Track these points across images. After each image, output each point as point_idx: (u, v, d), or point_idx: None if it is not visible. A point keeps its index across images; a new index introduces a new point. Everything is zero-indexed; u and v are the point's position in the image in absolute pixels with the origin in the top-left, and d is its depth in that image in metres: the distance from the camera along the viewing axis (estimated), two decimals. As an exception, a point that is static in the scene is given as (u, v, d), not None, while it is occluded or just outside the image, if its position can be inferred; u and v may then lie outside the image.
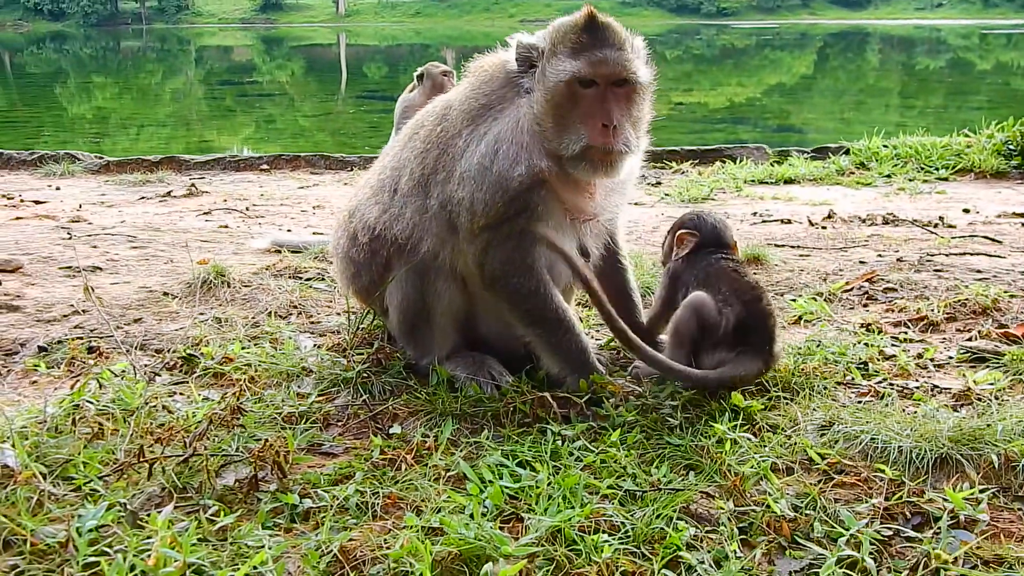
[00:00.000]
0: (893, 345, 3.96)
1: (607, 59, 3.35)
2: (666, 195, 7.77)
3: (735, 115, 22.82)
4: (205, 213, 7.01)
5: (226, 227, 6.30)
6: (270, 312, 4.09)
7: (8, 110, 26.06)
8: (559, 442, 3.08)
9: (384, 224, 3.61)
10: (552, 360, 3.54)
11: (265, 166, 9.41)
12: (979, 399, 3.41)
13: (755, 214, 6.87)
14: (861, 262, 5.20)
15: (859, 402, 3.39)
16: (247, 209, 7.19)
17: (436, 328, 3.64)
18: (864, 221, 6.51)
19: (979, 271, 4.81)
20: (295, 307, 4.18)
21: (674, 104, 24.02)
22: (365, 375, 3.55)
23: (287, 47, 64.11)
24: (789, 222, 6.53)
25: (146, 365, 3.68)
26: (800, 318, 4.31)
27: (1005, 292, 4.48)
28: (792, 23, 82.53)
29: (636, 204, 7.47)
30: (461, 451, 3.06)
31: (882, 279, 4.83)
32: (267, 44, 67.70)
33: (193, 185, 8.13)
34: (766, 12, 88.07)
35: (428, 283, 3.57)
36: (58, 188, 8.40)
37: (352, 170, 9.33)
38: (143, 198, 7.81)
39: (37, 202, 7.49)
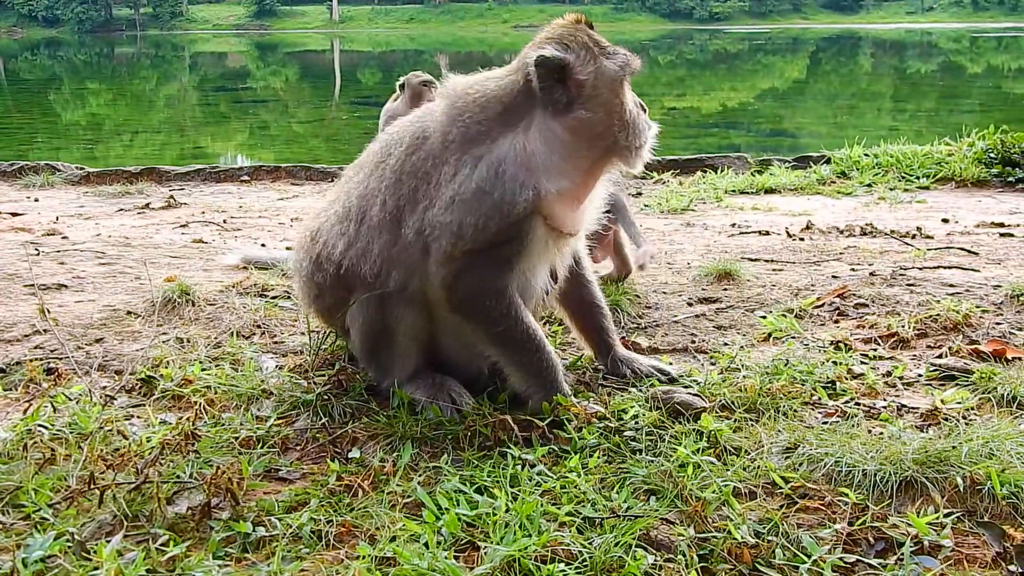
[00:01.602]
0: (862, 363, 3.91)
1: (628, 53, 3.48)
2: (646, 206, 7.73)
3: (728, 120, 22.83)
4: (182, 226, 6.97)
5: (201, 241, 6.25)
6: (233, 332, 4.04)
7: (2, 117, 26.04)
8: (519, 467, 3.03)
9: (351, 260, 3.52)
10: (520, 379, 3.49)
11: (245, 177, 9.36)
12: (946, 419, 3.36)
13: (734, 225, 6.84)
14: (834, 276, 5.15)
15: (825, 423, 3.34)
16: (224, 222, 7.14)
17: (398, 350, 3.58)
18: (842, 232, 6.47)
19: (952, 285, 4.77)
20: (259, 326, 4.13)
21: (667, 109, 24.02)
22: (326, 397, 3.50)
23: (281, 53, 64.13)
24: (767, 233, 6.50)
25: (104, 387, 3.63)
26: (769, 336, 4.26)
27: (977, 307, 4.44)
28: (784, 27, 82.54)
29: (617, 216, 7.43)
30: (420, 476, 3.01)
31: (854, 294, 4.78)
32: (261, 50, 67.72)
33: (172, 197, 8.08)
34: (758, 17, 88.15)
35: (390, 306, 3.51)
36: (36, 200, 8.35)
37: (333, 181, 9.24)
38: (121, 210, 7.76)
39: (14, 214, 7.44)
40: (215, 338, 4.00)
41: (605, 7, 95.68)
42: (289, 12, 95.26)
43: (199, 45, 73.70)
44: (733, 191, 8.25)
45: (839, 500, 2.85)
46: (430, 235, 3.37)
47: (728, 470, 3.00)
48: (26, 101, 31.05)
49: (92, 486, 2.86)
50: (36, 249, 5.72)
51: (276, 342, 4.02)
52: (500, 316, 3.41)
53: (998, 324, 4.32)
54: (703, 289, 4.96)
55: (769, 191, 8.39)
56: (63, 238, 6.25)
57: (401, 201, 3.46)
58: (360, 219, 3.55)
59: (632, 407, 3.42)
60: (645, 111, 3.56)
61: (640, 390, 3.63)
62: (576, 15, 3.53)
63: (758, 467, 3.03)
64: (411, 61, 55.43)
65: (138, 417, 3.39)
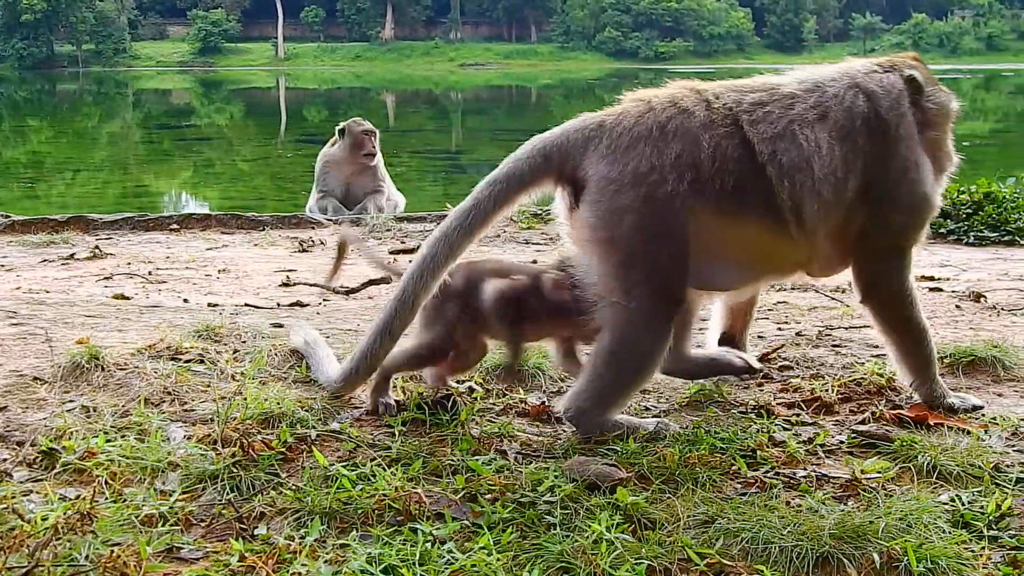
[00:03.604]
0: (784, 429, 3.87)
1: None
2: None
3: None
4: (106, 278, 6.82)
5: (122, 296, 6.12)
6: (142, 399, 3.92)
7: (-61, 155, 25.74)
8: (429, 544, 2.95)
9: None
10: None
11: (175, 226, 9.21)
12: (866, 490, 3.32)
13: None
14: (760, 336, 5.13)
15: (743, 495, 3.29)
16: (149, 274, 7.00)
17: None
18: (773, 285, 6.46)
19: (877, 346, 4.76)
20: (169, 393, 4.01)
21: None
22: (234, 469, 3.39)
23: (226, 90, 63.97)
24: (700, 289, 6.45)
25: (4, 460, 3.49)
26: (690, 401, 4.21)
27: (902, 369, 4.41)
28: (729, 67, 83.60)
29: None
30: (328, 554, 2.91)
31: (778, 356, 4.76)
32: (206, 87, 67.53)
33: (97, 247, 7.92)
34: (703, 56, 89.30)
35: None
36: (-43, 251, 8.16)
37: (264, 230, 9.16)
38: (45, 261, 7.59)
39: (-71, 267, 7.26)
40: (123, 406, 3.88)
41: (551, 46, 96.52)
42: (234, 49, 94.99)
43: (143, 82, 73.24)
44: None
45: (755, 577, 2.79)
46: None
47: (643, 547, 2.93)
48: (-37, 139, 30.71)
49: (-20, 571, 2.74)
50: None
51: (186, 410, 3.91)
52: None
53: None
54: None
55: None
56: (-19, 293, 6.09)
57: None
58: None
59: (548, 478, 3.35)
60: None
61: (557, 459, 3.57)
62: (913, 53, 4.22)
63: (674, 542, 2.96)
64: (357, 99, 55.55)
65: (37, 493, 3.26)
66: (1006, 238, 8.29)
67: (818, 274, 4.20)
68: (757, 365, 4.50)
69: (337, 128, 11.02)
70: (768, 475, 3.46)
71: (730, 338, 4.62)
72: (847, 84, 3.90)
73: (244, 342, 4.67)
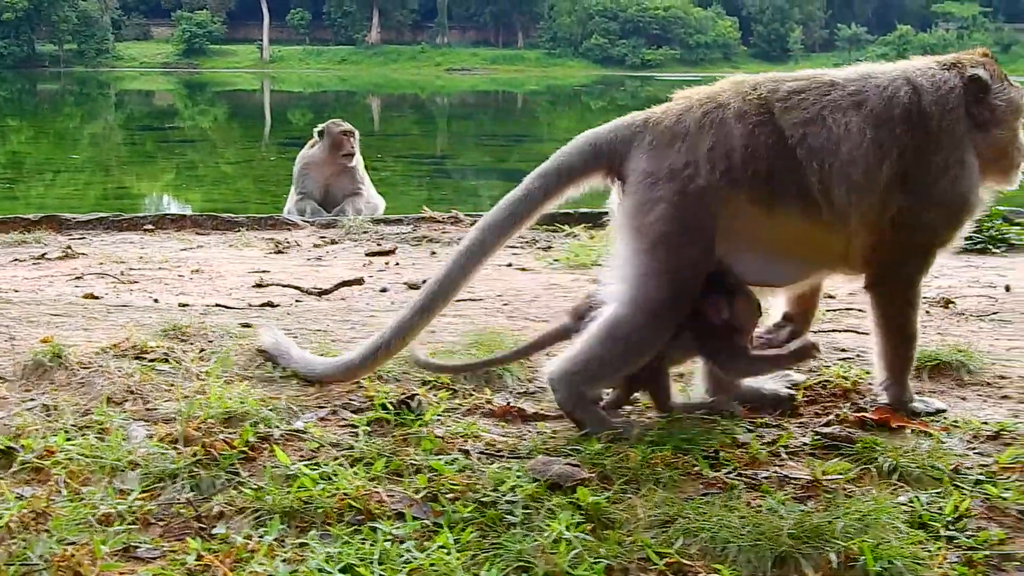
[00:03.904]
0: (748, 431, 3.88)
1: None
2: (555, 260, 7.70)
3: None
4: (76, 278, 6.78)
5: (92, 296, 6.08)
6: (104, 398, 3.90)
7: (-83, 156, 25.60)
8: (388, 543, 2.94)
9: None
10: None
11: (150, 226, 9.14)
12: (826, 491, 3.33)
13: (638, 281, 6.78)
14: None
15: (705, 495, 3.29)
16: (121, 274, 6.96)
17: None
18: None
19: (844, 349, 4.78)
20: (132, 392, 3.99)
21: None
22: (195, 468, 3.37)
23: (210, 92, 63.76)
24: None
25: (-37, 459, 3.46)
26: (657, 403, 4.21)
27: (867, 372, 4.42)
28: (715, 76, 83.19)
29: (524, 270, 7.39)
30: (287, 553, 2.90)
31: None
32: (190, 89, 67.31)
33: (69, 247, 7.86)
34: (689, 64, 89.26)
35: None
36: (-71, 251, 8.10)
37: (239, 231, 9.11)
38: (16, 260, 7.54)
39: (-100, 269, 7.20)
40: (84, 405, 3.86)
41: (537, 52, 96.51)
42: (219, 51, 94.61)
43: (126, 83, 72.90)
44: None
45: (712, 577, 2.79)
46: None
47: (603, 546, 2.93)
48: (-59, 140, 30.55)
49: (-68, 570, 2.72)
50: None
51: (149, 409, 3.89)
52: None
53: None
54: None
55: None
56: (-50, 292, 6.04)
57: None
58: None
59: (510, 478, 3.34)
60: None
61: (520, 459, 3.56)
62: (984, 48, 4.16)
63: (634, 541, 2.97)
64: (343, 102, 55.47)
65: (-6, 491, 3.24)
66: (979, 246, 8.32)
67: (861, 269, 4.12)
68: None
69: (316, 129, 10.99)
70: (730, 476, 3.46)
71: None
72: (896, 76, 3.96)
73: (211, 341, 4.65)
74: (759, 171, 3.79)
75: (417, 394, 4.05)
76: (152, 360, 4.30)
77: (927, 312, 5.85)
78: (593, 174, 4.01)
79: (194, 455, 3.43)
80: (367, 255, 7.93)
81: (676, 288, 3.83)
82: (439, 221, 9.24)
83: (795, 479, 3.46)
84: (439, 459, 3.51)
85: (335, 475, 3.35)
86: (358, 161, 10.91)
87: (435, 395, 4.14)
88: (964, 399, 4.31)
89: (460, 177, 23.70)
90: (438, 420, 3.90)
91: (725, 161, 3.78)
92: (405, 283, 6.69)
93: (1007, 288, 6.47)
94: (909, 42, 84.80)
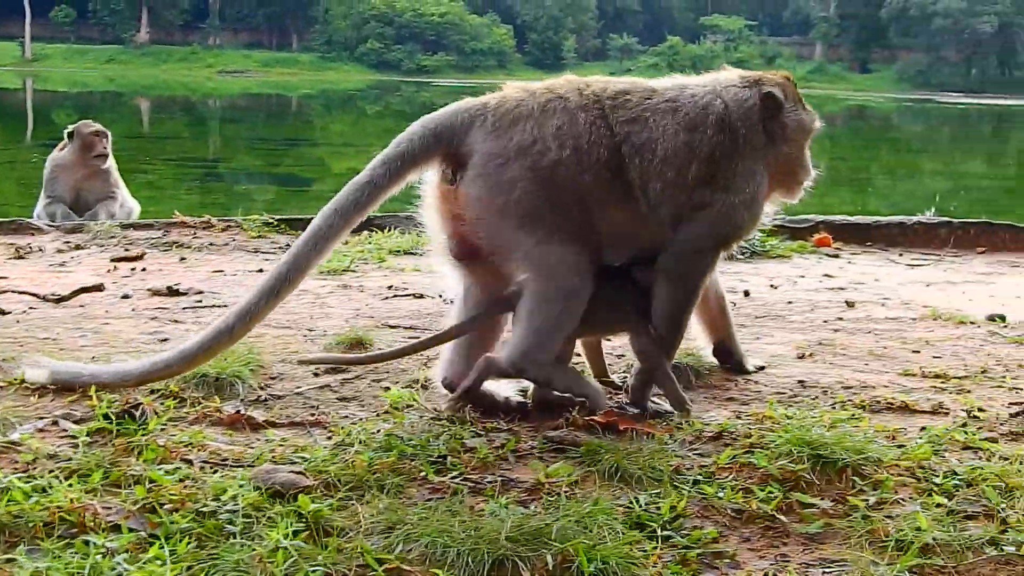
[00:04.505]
0: (477, 436, 3.92)
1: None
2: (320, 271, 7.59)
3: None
4: None
5: None
6: None
7: None
8: (100, 556, 2.84)
9: None
10: None
11: None
12: (549, 494, 3.41)
13: (391, 287, 6.78)
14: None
15: (429, 500, 3.32)
16: None
17: None
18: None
19: (577, 354, 4.89)
20: None
21: (349, 168, 24.01)
22: None
23: (-33, 91, 60.36)
24: (421, 296, 6.47)
25: None
26: (388, 409, 4.21)
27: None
28: (490, 83, 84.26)
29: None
30: (-11, 572, 2.77)
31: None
32: (-55, 89, 63.56)
33: None
34: (465, 71, 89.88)
35: None
36: None
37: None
38: None
39: None
40: None
41: (312, 55, 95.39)
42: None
43: None
44: (398, 251, 8.21)
45: (430, 581, 2.81)
46: None
47: (321, 553, 2.92)
48: None
49: None
50: None
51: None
52: None
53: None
54: (333, 358, 4.85)
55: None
56: None
57: None
58: None
59: (232, 487, 3.28)
60: None
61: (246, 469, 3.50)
62: (785, 72, 4.52)
63: (353, 548, 2.96)
64: (110, 103, 53.49)
65: None
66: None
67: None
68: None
69: (65, 131, 10.53)
70: (456, 480, 3.50)
71: (724, 347, 4.90)
72: (708, 90, 4.23)
73: (-75, 352, 4.39)
74: (600, 158, 4.03)
75: (142, 403, 3.92)
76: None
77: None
78: (432, 158, 4.09)
79: None
80: (112, 261, 7.63)
81: (579, 235, 4.03)
82: (190, 226, 8.98)
83: (520, 482, 3.52)
84: (160, 469, 3.41)
85: (49, 488, 3.22)
86: (111, 163, 10.52)
87: (162, 404, 4.03)
88: (692, 401, 4.46)
89: (233, 181, 23.16)
90: (163, 429, 3.79)
91: (573, 142, 3.99)
92: (149, 289, 6.45)
93: (746, 293, 6.73)
94: (679, 53, 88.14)
